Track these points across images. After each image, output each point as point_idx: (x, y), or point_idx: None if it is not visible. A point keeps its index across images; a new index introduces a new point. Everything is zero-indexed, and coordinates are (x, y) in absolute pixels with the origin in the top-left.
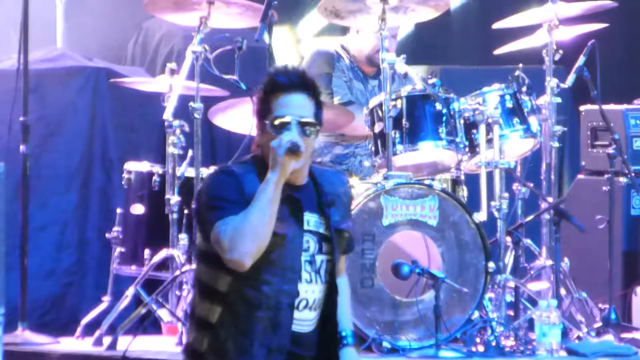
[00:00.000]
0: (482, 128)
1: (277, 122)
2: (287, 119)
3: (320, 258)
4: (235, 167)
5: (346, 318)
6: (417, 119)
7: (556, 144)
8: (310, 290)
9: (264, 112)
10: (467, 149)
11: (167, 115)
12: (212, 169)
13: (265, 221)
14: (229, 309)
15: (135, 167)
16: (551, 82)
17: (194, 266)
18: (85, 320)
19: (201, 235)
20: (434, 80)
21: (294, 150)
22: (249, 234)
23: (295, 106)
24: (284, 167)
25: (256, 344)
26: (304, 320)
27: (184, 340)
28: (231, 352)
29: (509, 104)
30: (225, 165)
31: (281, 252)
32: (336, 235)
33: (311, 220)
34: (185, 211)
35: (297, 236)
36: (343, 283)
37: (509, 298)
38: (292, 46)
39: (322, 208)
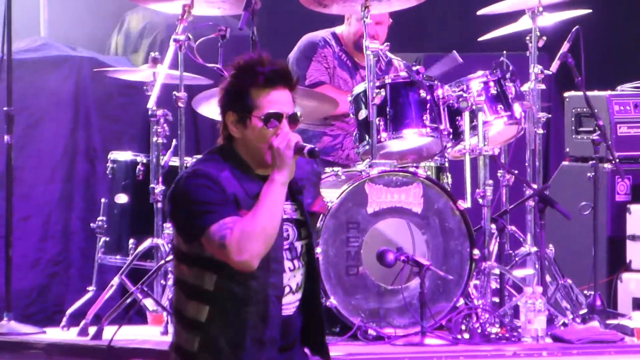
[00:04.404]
0: (466, 115)
1: (270, 118)
2: (280, 115)
3: (299, 244)
4: (205, 167)
5: None
6: (401, 107)
7: (540, 131)
8: (292, 276)
9: (245, 105)
10: (451, 136)
11: (151, 104)
12: (195, 158)
13: (275, 222)
14: (218, 306)
15: (119, 156)
16: (535, 68)
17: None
18: (70, 310)
19: (182, 238)
20: (417, 67)
21: (300, 149)
22: (260, 236)
23: (284, 102)
24: (293, 167)
25: (248, 338)
26: (288, 303)
27: (172, 339)
28: (224, 349)
29: (493, 91)
30: (196, 168)
31: None
32: (310, 217)
33: (286, 208)
34: None
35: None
36: None
37: (494, 285)
38: None
39: (295, 195)
